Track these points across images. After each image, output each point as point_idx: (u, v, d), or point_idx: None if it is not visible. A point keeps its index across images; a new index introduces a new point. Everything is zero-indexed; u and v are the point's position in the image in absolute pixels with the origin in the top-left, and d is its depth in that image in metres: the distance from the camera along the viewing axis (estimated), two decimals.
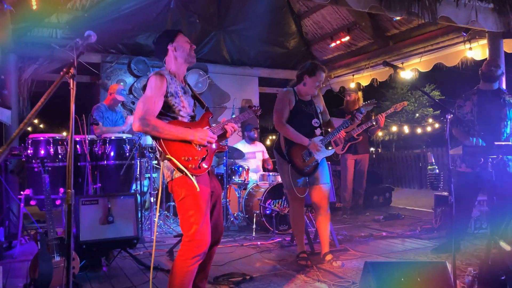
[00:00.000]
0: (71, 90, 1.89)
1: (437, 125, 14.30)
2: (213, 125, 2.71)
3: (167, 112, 2.54)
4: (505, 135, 3.86)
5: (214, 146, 2.62)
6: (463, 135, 3.95)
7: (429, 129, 14.89)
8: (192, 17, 6.80)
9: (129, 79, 6.85)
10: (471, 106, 3.98)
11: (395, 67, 3.29)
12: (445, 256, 3.96)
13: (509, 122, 3.93)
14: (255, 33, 7.38)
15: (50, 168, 3.69)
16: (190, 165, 2.43)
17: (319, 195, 3.83)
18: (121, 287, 3.38)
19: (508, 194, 3.58)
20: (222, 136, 2.76)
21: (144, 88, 2.54)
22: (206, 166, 2.51)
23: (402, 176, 13.11)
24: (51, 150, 4.44)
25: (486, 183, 3.43)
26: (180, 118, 2.58)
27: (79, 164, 4.67)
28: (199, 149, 2.51)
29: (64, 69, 1.84)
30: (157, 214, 3.00)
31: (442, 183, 3.37)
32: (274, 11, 7.17)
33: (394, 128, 19.20)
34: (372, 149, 17.66)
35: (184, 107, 2.60)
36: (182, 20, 6.69)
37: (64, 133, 4.92)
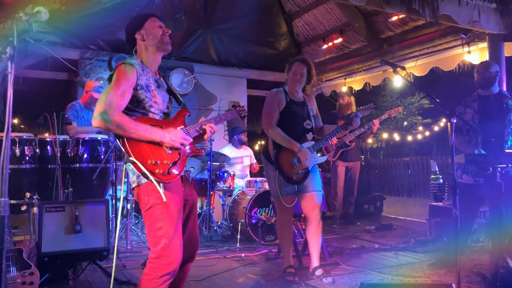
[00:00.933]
0: (9, 74, 1.52)
1: (427, 133, 14.16)
2: (191, 125, 2.37)
3: (136, 107, 2.20)
4: (509, 142, 3.58)
5: (188, 149, 2.27)
6: (464, 144, 3.66)
7: (419, 137, 14.73)
8: (178, 14, 6.46)
9: None
10: (472, 113, 3.71)
11: (394, 66, 3.00)
12: (443, 272, 3.69)
13: None
14: (244, 32, 7.07)
15: (9, 171, 3.30)
16: (157, 170, 2.08)
17: (310, 204, 3.51)
18: None
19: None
20: (199, 137, 2.42)
21: (110, 79, 2.19)
22: (177, 172, 2.15)
23: (391, 184, 12.93)
24: (17, 150, 4.05)
25: (491, 194, 3.14)
26: (151, 115, 2.24)
27: (49, 166, 4.33)
28: (170, 152, 2.17)
29: None
30: (118, 223, 2.64)
31: (446, 194, 3.08)
32: (265, 10, 6.88)
33: (384, 135, 19.04)
34: (361, 157, 17.47)
35: (156, 102, 2.26)
36: (166, 16, 6.33)
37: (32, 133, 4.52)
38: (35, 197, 3.86)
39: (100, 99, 2.09)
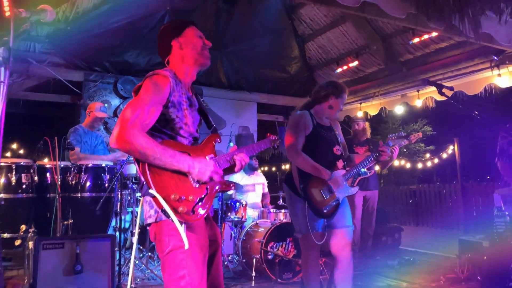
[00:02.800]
0: (2, 84, 1.17)
1: (436, 160, 13.87)
2: (221, 155, 2.01)
3: (163, 127, 1.87)
4: None
5: (217, 183, 1.91)
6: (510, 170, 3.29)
7: (429, 164, 14.45)
8: None
9: (115, 101, 6.17)
10: None
11: (440, 87, 2.68)
12: None
13: None
14: (255, 55, 6.81)
15: (2, 201, 2.94)
16: (181, 208, 1.72)
17: (341, 242, 3.11)
18: None
19: None
20: (229, 170, 2.05)
21: (137, 91, 1.85)
22: (203, 212, 1.80)
23: (399, 214, 12.49)
24: (13, 178, 3.69)
25: None
26: (179, 138, 1.90)
27: (48, 196, 4.02)
28: (197, 186, 1.81)
29: None
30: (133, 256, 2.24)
31: None
32: (277, 33, 6.64)
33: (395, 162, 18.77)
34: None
35: (187, 124, 1.92)
36: None
37: (46, 159, 4.19)
38: (31, 230, 3.50)
39: (122, 115, 1.73)
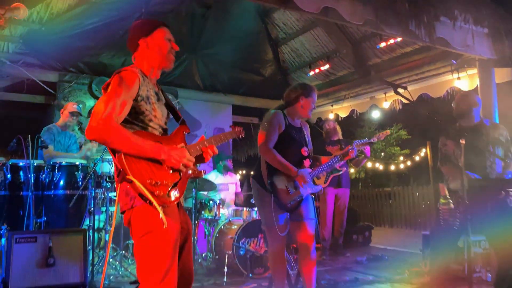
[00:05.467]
0: None
1: (409, 163, 14.28)
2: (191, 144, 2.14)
3: (134, 120, 1.98)
4: (494, 173, 3.45)
5: (189, 170, 2.04)
6: (455, 173, 3.49)
7: (401, 166, 14.83)
8: None
9: (89, 101, 6.22)
10: (453, 147, 3.57)
11: (395, 86, 2.88)
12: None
13: (495, 160, 3.50)
14: (230, 58, 6.97)
15: None
16: (157, 192, 1.84)
17: (304, 233, 3.28)
18: None
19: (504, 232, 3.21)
20: (199, 158, 2.18)
21: (106, 87, 1.95)
22: (177, 195, 1.92)
23: (374, 215, 12.81)
24: None
25: (496, 218, 2.98)
26: (150, 129, 2.02)
27: (21, 193, 4.00)
28: (171, 171, 1.94)
29: None
30: (107, 254, 2.35)
31: (458, 220, 2.91)
32: (251, 36, 6.81)
33: (367, 165, 19.08)
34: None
35: (156, 116, 2.04)
36: None
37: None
38: (4, 227, 3.54)
39: (96, 109, 1.83)
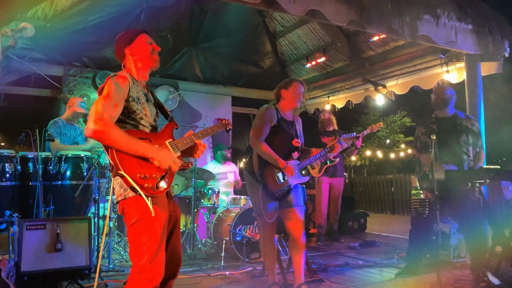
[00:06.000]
0: None
1: (410, 151, 14.45)
2: (178, 139, 2.39)
3: (127, 119, 2.22)
4: (467, 161, 3.74)
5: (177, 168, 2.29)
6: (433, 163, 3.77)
7: (402, 154, 15.01)
8: (163, 32, 6.53)
9: (94, 94, 6.45)
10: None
11: (375, 84, 3.09)
12: (413, 281, 3.85)
13: (469, 148, 3.83)
14: (229, 51, 7.15)
15: None
16: (146, 184, 2.09)
17: (293, 220, 3.51)
18: None
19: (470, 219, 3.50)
20: (187, 152, 2.43)
21: (101, 91, 2.20)
22: (165, 186, 2.17)
23: (375, 202, 13.03)
24: None
25: (467, 209, 3.23)
26: (141, 127, 2.26)
27: (30, 184, 4.21)
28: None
29: None
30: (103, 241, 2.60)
31: (428, 209, 3.14)
32: (249, 30, 6.98)
33: (368, 153, 19.27)
34: (344, 174, 17.68)
35: (146, 115, 2.29)
36: (152, 34, 6.29)
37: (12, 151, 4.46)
38: (15, 215, 3.79)
39: (92, 110, 2.08)
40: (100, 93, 2.19)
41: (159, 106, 2.45)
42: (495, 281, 2.80)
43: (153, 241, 2.11)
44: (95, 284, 2.46)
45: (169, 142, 2.30)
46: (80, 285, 3.53)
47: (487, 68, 4.91)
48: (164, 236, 2.20)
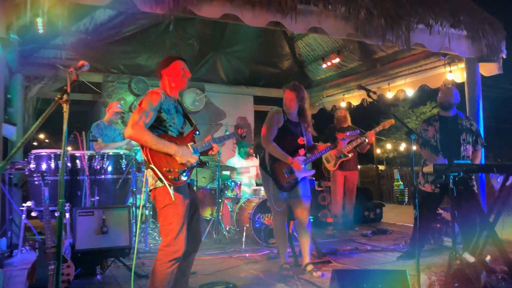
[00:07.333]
0: (64, 113, 2.17)
1: (414, 147, 14.56)
2: (199, 142, 3.01)
3: (158, 125, 2.83)
4: (465, 158, 4.20)
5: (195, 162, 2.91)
6: (431, 157, 4.25)
7: None
8: (190, 40, 7.17)
9: (130, 98, 7.18)
10: (433, 132, 4.35)
11: (368, 91, 3.56)
12: (411, 263, 4.21)
13: (468, 146, 4.29)
14: (250, 54, 7.74)
15: (50, 182, 3.96)
16: (170, 176, 2.71)
17: (299, 208, 4.07)
18: None
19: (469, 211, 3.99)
20: (205, 152, 3.05)
21: (140, 102, 2.82)
22: (185, 179, 2.79)
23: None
24: (52, 164, 4.68)
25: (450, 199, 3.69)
26: (169, 132, 2.87)
27: (78, 178, 4.87)
28: (180, 163, 2.79)
29: (58, 95, 2.12)
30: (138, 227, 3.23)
31: (407, 197, 3.61)
32: (268, 34, 7.48)
33: (403, 146, 19.48)
34: (373, 165, 17.92)
35: (174, 123, 2.89)
36: (180, 42, 7.05)
37: (69, 148, 5.19)
38: (67, 204, 4.51)
39: (132, 117, 2.72)
40: (139, 104, 2.82)
41: (186, 116, 3.07)
42: (470, 259, 3.24)
43: (178, 221, 2.73)
44: (134, 262, 3.07)
45: (190, 145, 2.92)
46: (122, 262, 4.23)
47: (488, 70, 5.23)
48: (186, 218, 2.82)
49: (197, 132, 3.06)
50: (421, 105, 26.21)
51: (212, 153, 3.10)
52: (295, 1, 3.68)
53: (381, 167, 17.51)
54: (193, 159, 2.83)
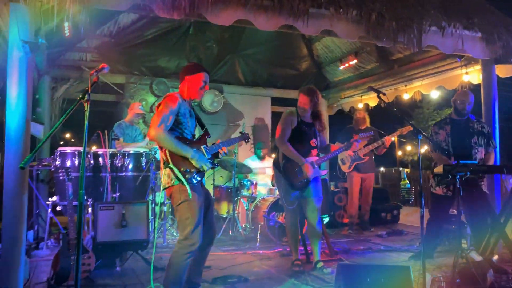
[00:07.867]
0: (85, 112, 2.35)
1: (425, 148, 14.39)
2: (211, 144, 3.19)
3: (176, 127, 3.02)
4: (477, 161, 4.23)
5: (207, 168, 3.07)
6: (442, 159, 4.28)
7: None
8: (209, 42, 7.37)
9: (151, 99, 7.43)
10: (445, 136, 4.36)
11: (378, 92, 3.64)
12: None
13: (480, 149, 4.29)
14: (268, 56, 7.88)
15: (73, 177, 4.20)
16: (187, 176, 2.90)
17: (309, 208, 4.18)
18: (130, 283, 3.81)
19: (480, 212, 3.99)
20: (216, 154, 3.21)
21: (159, 106, 3.00)
22: (199, 179, 2.98)
23: (425, 195, 13.14)
24: (76, 161, 4.93)
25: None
26: (184, 134, 3.06)
27: (101, 175, 5.08)
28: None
29: (80, 95, 2.31)
30: (156, 224, 3.40)
31: (413, 197, 3.67)
32: (285, 37, 7.57)
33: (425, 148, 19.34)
34: (400, 168, 17.82)
35: (189, 127, 3.09)
36: (199, 45, 7.26)
37: (94, 147, 5.45)
38: (90, 199, 4.75)
39: (154, 120, 2.91)
40: (158, 107, 3.00)
41: (198, 120, 3.24)
42: (477, 258, 3.29)
43: (193, 217, 2.90)
44: (153, 255, 3.25)
45: (203, 147, 3.08)
46: (140, 255, 4.44)
47: (504, 71, 5.22)
48: (201, 214, 2.98)
49: (208, 136, 3.23)
50: (446, 107, 25.81)
51: (221, 154, 3.27)
52: (307, 5, 3.78)
53: (406, 170, 17.36)
54: (206, 165, 2.98)
